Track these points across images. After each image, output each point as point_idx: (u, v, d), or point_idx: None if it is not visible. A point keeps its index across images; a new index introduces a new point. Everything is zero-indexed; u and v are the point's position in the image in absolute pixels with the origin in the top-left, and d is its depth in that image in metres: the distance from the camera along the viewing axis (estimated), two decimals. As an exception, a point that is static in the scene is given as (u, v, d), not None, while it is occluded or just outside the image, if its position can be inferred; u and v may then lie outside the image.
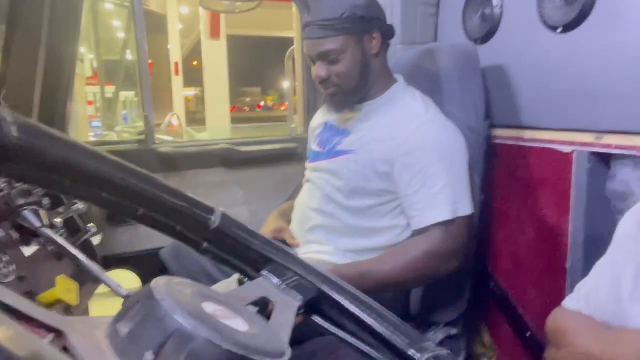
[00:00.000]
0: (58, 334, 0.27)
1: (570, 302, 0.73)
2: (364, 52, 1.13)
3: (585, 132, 1.06)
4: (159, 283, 0.31)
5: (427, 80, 1.24)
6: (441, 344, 1.19)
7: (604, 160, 1.04)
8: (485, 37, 1.33)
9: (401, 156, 1.09)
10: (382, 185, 1.12)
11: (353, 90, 1.15)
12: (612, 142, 0.99)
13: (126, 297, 0.41)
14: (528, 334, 1.25)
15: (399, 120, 1.13)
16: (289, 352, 0.32)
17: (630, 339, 0.60)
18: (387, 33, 1.17)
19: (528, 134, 1.22)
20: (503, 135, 1.30)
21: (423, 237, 1.07)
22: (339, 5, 1.09)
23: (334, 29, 1.09)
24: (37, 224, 0.62)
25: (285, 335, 0.39)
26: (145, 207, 0.46)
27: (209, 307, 0.32)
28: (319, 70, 1.14)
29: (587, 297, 0.70)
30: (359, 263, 1.10)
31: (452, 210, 1.05)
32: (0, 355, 0.16)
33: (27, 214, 0.62)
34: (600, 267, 0.70)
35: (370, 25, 1.11)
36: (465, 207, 1.08)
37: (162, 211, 0.48)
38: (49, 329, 0.26)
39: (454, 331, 1.22)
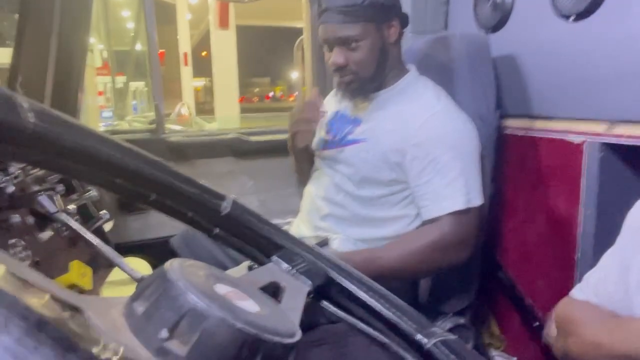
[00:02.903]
0: (77, 311, 0.27)
1: (578, 292, 0.73)
2: (383, 40, 1.12)
3: (597, 122, 1.05)
4: (173, 265, 0.32)
5: (438, 70, 1.24)
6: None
7: (616, 150, 1.03)
8: (497, 26, 1.32)
9: (412, 147, 1.09)
10: (393, 175, 1.12)
11: (370, 79, 1.14)
12: (624, 132, 0.98)
13: (140, 279, 0.42)
14: (536, 325, 1.25)
15: (411, 111, 1.12)
16: (299, 333, 0.33)
17: (636, 327, 0.60)
18: (404, 21, 1.16)
19: (539, 124, 1.21)
20: (514, 125, 1.29)
21: (434, 227, 1.07)
22: None
23: (355, 14, 1.07)
24: (53, 208, 0.63)
25: (295, 318, 0.40)
26: (157, 193, 0.47)
27: (222, 289, 0.33)
28: (337, 57, 1.11)
29: (596, 287, 0.70)
30: (367, 250, 1.11)
31: (464, 200, 1.05)
32: (32, 318, 0.16)
33: (43, 199, 0.63)
34: (609, 256, 0.70)
35: (390, 13, 1.11)
36: (476, 198, 1.08)
37: (174, 197, 0.48)
38: (69, 306, 0.27)
39: (462, 320, 1.22)
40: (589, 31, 1.05)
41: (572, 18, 1.08)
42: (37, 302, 0.18)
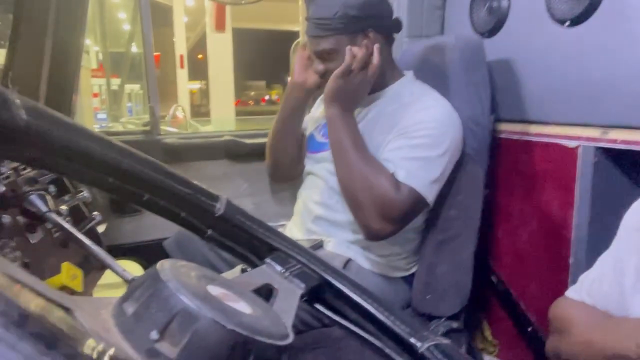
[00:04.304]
0: (67, 312, 0.27)
1: (573, 292, 0.73)
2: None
3: (591, 126, 1.05)
4: (165, 265, 0.32)
5: (433, 74, 1.24)
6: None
7: (610, 155, 1.04)
8: (492, 31, 1.33)
9: (399, 130, 1.10)
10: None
11: None
12: (618, 137, 0.99)
13: (131, 281, 0.42)
14: (529, 329, 1.25)
15: (404, 109, 1.13)
16: (291, 335, 0.33)
17: (629, 327, 0.60)
18: (388, 30, 1.16)
19: (533, 128, 1.22)
20: (508, 129, 1.30)
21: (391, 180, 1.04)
22: (333, 5, 1.09)
23: (327, 28, 1.10)
24: (44, 208, 0.63)
25: (288, 320, 0.40)
26: (150, 193, 0.47)
27: (214, 290, 0.32)
28: (316, 65, 1.17)
29: (590, 288, 0.70)
30: (357, 136, 1.10)
31: (405, 176, 1.04)
32: (14, 313, 0.16)
33: (34, 198, 0.62)
34: (605, 258, 0.71)
35: (364, 24, 1.11)
36: (420, 184, 1.05)
37: (167, 197, 0.48)
38: (57, 306, 0.27)
39: (455, 325, 1.22)
40: (584, 36, 1.06)
41: (567, 23, 1.09)
42: (22, 298, 0.17)
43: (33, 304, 0.18)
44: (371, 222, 1.05)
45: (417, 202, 1.06)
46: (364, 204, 1.05)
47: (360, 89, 1.11)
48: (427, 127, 1.08)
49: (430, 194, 1.07)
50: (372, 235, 1.08)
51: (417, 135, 1.08)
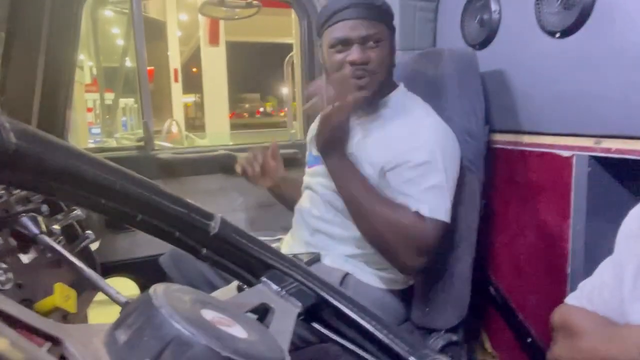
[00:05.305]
0: (55, 342, 0.26)
1: (573, 299, 0.73)
2: (392, 49, 1.14)
3: (585, 136, 1.06)
4: (158, 290, 0.31)
5: (426, 86, 1.24)
6: (442, 350, 1.18)
7: (604, 164, 1.04)
8: (484, 42, 1.34)
9: (399, 156, 1.09)
10: (381, 189, 1.12)
11: (381, 84, 1.13)
12: (612, 147, 0.99)
13: (125, 304, 0.41)
14: (529, 340, 1.24)
15: (400, 124, 1.12)
16: (288, 359, 0.32)
17: (630, 334, 0.60)
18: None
19: (527, 139, 1.22)
20: (502, 140, 1.30)
21: (411, 215, 1.04)
22: None
23: (378, 14, 1.10)
24: (36, 231, 0.62)
25: (285, 342, 0.39)
26: (144, 213, 0.46)
27: (208, 314, 0.31)
28: (357, 52, 1.06)
29: (591, 295, 0.70)
30: (364, 181, 1.09)
31: (428, 209, 1.04)
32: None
33: (26, 220, 0.62)
34: (605, 265, 0.71)
35: (393, 25, 1.14)
36: (441, 213, 1.05)
37: (161, 217, 0.47)
38: (47, 337, 0.26)
39: (454, 337, 1.21)
40: (575, 47, 1.07)
41: (558, 34, 1.10)
42: (5, 343, 0.17)
43: (16, 348, 0.17)
44: (406, 261, 1.05)
45: (441, 228, 1.06)
46: (394, 248, 1.05)
47: (346, 128, 1.11)
48: (427, 151, 1.07)
49: (449, 217, 1.07)
50: (408, 271, 1.10)
51: (419, 163, 1.06)
